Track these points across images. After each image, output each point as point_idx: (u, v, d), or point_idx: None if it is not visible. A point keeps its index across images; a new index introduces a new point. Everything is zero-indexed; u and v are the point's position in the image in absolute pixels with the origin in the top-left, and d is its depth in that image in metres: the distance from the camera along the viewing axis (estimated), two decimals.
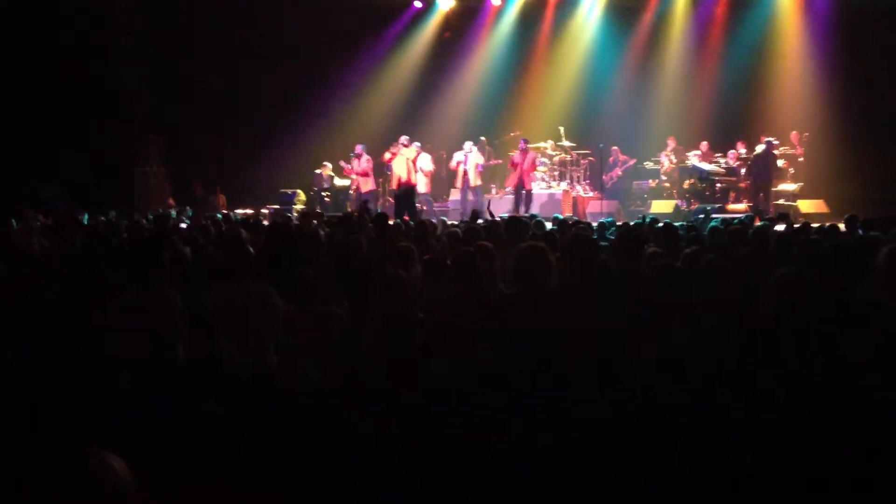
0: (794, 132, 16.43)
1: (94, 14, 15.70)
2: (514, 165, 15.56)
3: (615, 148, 17.90)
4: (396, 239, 7.24)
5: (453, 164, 16.11)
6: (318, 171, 18.01)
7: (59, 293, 5.44)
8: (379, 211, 12.74)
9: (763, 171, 15.16)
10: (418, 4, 18.96)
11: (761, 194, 14.94)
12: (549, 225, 9.35)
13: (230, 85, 17.47)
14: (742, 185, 15.83)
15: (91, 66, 15.72)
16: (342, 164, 16.65)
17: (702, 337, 3.80)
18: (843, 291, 4.17)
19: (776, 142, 15.58)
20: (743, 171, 15.89)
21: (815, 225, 8.85)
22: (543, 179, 17.00)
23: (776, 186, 15.83)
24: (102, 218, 11.19)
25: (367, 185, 16.24)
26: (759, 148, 15.33)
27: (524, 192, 15.35)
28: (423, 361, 4.11)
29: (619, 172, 17.74)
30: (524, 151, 15.55)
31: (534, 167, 15.83)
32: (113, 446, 1.76)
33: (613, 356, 3.74)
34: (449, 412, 3.72)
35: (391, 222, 9.31)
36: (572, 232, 7.23)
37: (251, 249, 5.38)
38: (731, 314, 3.98)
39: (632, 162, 17.79)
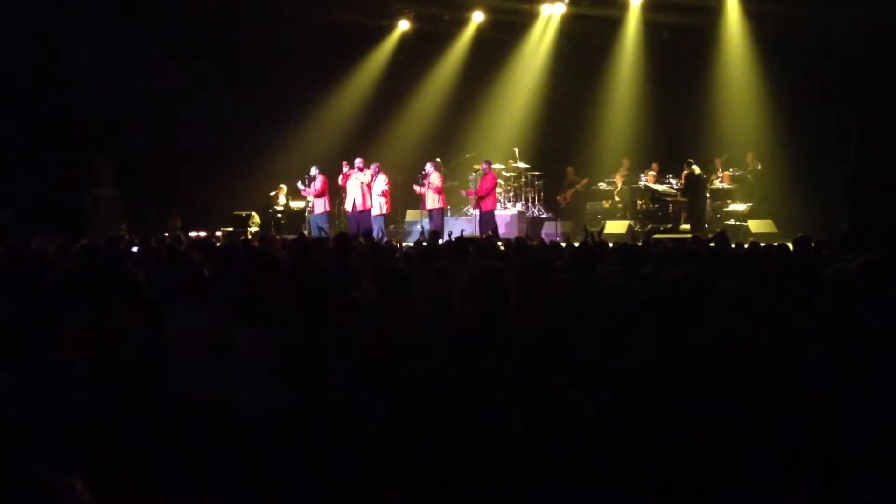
0: (750, 154, 16.79)
1: (44, 36, 15.46)
2: (481, 189, 15.59)
3: (569, 168, 18.12)
4: (354, 260, 7.25)
5: (418, 188, 16.03)
6: (272, 193, 17.90)
7: (13, 319, 5.33)
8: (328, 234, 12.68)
9: (695, 193, 15.41)
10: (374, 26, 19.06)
11: (700, 215, 15.18)
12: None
13: (183, 106, 17.27)
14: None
15: (40, 87, 15.47)
16: (298, 185, 16.55)
17: (656, 351, 3.86)
18: (787, 307, 4.28)
19: (694, 165, 15.74)
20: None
21: (762, 244, 9.04)
22: (498, 200, 17.09)
23: (727, 206, 16.19)
24: (50, 242, 10.92)
25: (322, 206, 16.19)
26: (686, 172, 15.61)
27: (484, 213, 15.42)
28: (376, 382, 4.11)
29: (572, 193, 17.94)
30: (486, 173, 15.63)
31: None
32: (70, 472, 1.75)
33: (570, 374, 3.78)
34: (402, 431, 3.73)
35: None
36: (529, 253, 7.31)
37: (205, 272, 5.35)
38: (680, 327, 4.05)
39: (584, 181, 17.99)
